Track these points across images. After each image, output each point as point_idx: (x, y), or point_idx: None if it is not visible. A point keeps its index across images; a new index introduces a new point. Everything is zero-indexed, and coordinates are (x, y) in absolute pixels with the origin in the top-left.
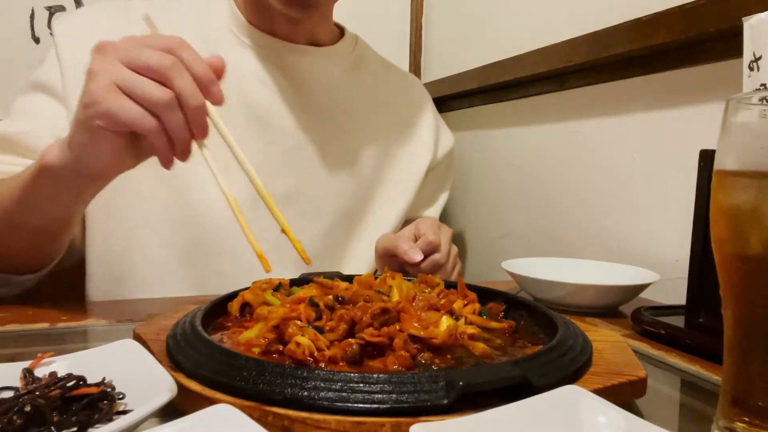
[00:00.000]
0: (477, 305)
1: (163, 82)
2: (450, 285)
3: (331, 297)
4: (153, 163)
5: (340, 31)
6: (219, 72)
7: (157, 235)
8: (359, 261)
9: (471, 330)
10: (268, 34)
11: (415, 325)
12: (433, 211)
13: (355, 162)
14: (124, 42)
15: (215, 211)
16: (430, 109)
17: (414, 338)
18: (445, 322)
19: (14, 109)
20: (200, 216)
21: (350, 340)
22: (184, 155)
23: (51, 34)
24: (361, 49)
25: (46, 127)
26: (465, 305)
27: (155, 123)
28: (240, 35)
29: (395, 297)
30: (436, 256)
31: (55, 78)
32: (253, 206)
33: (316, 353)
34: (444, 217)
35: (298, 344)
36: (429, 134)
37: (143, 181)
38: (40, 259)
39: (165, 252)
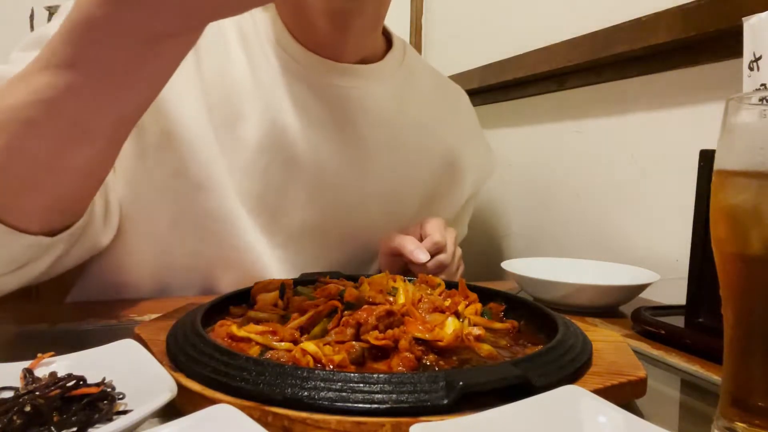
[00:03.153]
0: (479, 305)
1: None
2: (451, 285)
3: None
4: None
5: (387, 41)
6: None
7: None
8: None
9: (477, 331)
10: (312, 51)
11: (420, 328)
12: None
13: (394, 201)
14: None
15: (223, 227)
16: (476, 127)
17: (419, 341)
18: (451, 324)
19: (10, 61)
20: (206, 228)
21: (353, 342)
22: None
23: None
24: (410, 59)
25: None
26: (467, 306)
27: None
28: (280, 47)
29: (401, 300)
30: (442, 257)
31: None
32: (262, 212)
33: (323, 359)
34: None
35: (304, 352)
36: (475, 165)
37: (153, 190)
38: (67, 205)
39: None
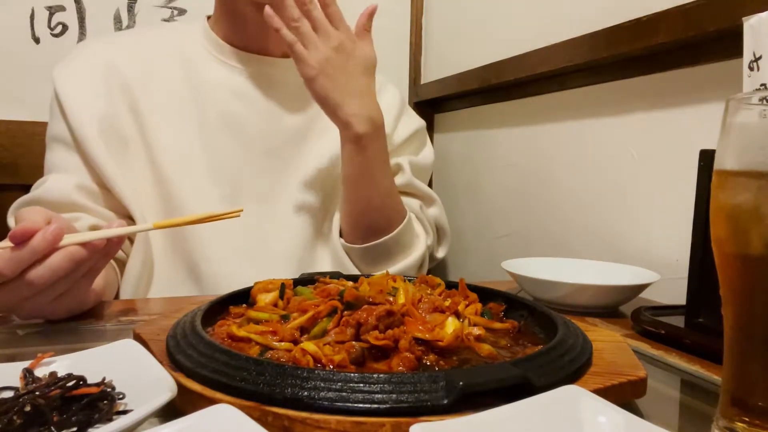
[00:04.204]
0: (479, 305)
1: None
2: (451, 285)
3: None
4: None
5: None
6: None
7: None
8: (334, 247)
9: (478, 331)
10: (243, 50)
11: (420, 328)
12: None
13: (321, 162)
14: None
15: (214, 266)
16: (394, 103)
17: (419, 341)
18: (452, 324)
19: (45, 165)
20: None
21: (353, 342)
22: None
23: (54, 88)
24: None
25: (60, 178)
26: (467, 306)
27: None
28: (216, 54)
29: (401, 299)
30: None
31: (64, 130)
32: (234, 204)
33: (323, 359)
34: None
35: (304, 352)
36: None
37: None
38: None
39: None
